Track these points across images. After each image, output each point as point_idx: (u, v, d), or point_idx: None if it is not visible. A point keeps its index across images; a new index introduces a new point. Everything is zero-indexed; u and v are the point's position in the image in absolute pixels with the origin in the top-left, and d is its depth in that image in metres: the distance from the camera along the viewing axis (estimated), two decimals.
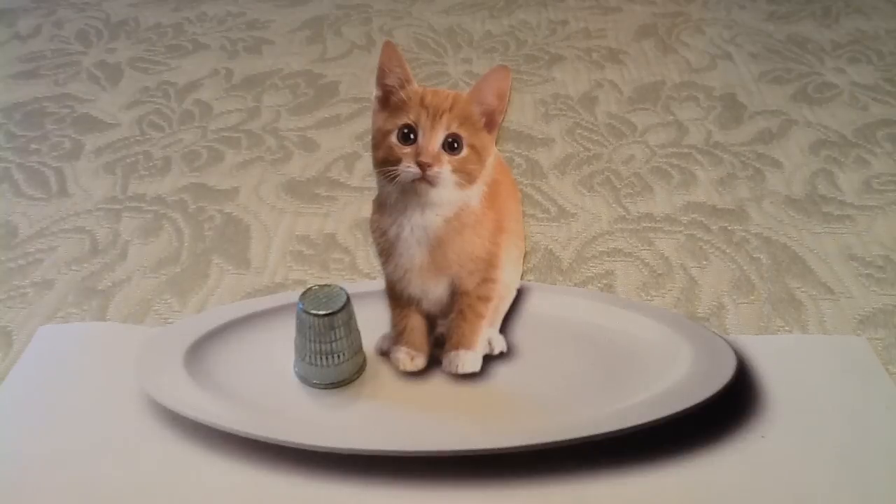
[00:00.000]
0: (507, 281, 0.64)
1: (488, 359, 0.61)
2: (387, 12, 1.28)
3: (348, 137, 0.94)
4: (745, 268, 0.70)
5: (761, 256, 0.72)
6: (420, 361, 0.61)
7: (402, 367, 0.61)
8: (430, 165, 0.53)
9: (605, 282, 0.69)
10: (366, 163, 0.87)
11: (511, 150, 0.90)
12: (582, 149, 0.90)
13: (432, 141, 0.53)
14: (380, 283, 0.64)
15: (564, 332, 0.64)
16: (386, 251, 0.59)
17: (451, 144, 0.54)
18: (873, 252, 0.72)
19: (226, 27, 1.25)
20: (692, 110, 0.97)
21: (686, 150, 0.89)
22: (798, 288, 0.68)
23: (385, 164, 0.55)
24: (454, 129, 0.54)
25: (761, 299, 0.67)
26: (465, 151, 0.55)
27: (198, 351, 0.63)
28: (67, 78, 1.10)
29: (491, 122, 0.57)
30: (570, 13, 1.26)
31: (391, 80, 0.56)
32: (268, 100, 1.02)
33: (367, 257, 0.74)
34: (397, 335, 0.62)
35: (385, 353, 0.62)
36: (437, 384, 0.59)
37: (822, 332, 0.63)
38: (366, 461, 0.53)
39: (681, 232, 0.75)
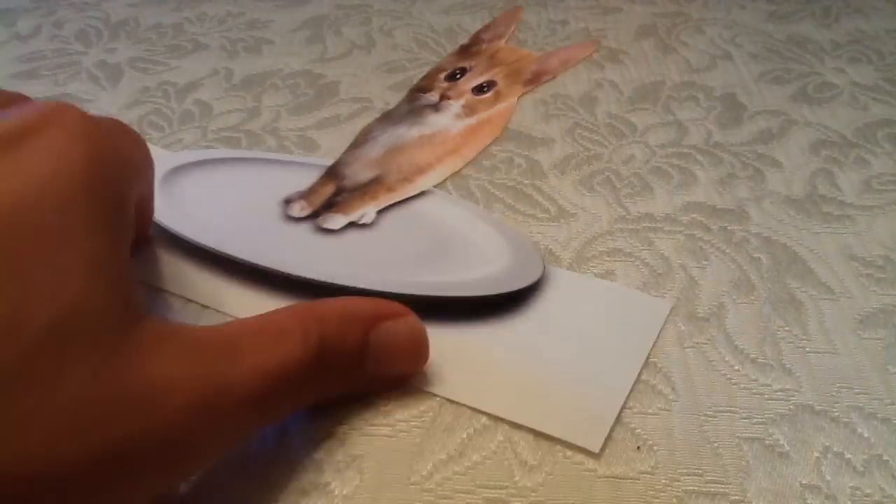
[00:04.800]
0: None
1: (352, 224, 0.69)
2: (387, 12, 1.28)
3: (348, 137, 0.94)
4: (745, 268, 0.70)
5: (761, 256, 0.72)
6: (305, 213, 0.70)
7: (289, 213, 0.69)
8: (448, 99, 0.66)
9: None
10: None
11: (511, 150, 0.90)
12: (582, 149, 0.90)
13: (469, 84, 0.67)
14: None
15: (420, 220, 0.72)
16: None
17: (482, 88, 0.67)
18: (873, 252, 0.72)
19: (226, 27, 1.25)
20: (692, 110, 0.97)
21: (686, 150, 0.89)
22: (798, 288, 0.68)
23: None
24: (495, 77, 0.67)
25: (761, 299, 0.67)
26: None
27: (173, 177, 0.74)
28: (67, 78, 1.10)
29: (535, 80, 0.67)
30: (570, 13, 1.26)
31: (488, 35, 0.69)
32: (268, 100, 1.02)
33: None
34: (307, 191, 0.72)
35: (287, 202, 0.71)
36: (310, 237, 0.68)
37: (822, 332, 0.63)
38: None
39: (681, 232, 0.75)
